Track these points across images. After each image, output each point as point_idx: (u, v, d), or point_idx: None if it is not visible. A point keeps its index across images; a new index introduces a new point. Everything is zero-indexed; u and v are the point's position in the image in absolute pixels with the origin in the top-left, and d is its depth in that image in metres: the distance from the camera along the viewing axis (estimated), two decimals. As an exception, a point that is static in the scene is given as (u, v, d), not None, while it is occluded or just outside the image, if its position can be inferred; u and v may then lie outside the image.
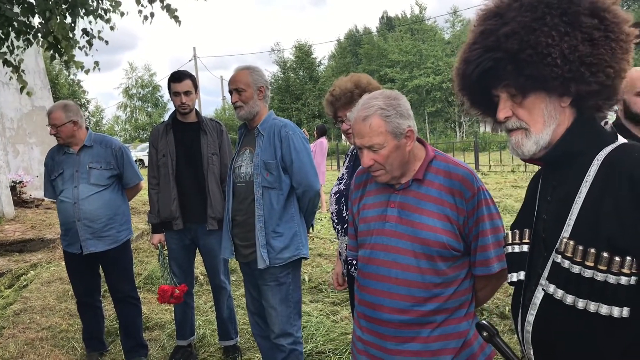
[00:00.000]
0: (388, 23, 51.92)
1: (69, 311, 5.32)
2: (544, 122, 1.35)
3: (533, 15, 1.28)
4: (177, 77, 3.99)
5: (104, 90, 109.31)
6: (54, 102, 12.89)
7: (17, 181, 10.65)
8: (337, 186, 2.97)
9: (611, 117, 4.33)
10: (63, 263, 6.68)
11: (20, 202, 10.61)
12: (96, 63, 6.34)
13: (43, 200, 10.84)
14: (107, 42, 6.34)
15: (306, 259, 3.35)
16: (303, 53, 47.86)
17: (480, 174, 17.95)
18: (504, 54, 1.31)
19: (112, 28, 6.34)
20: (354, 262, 2.82)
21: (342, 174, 3.00)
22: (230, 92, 3.30)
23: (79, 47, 6.09)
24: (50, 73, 29.95)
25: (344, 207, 2.87)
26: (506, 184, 14.16)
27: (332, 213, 2.99)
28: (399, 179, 2.01)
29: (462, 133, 41.52)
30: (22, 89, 5.90)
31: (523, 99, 1.36)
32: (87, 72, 6.28)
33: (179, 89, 3.96)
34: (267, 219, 3.17)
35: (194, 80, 4.06)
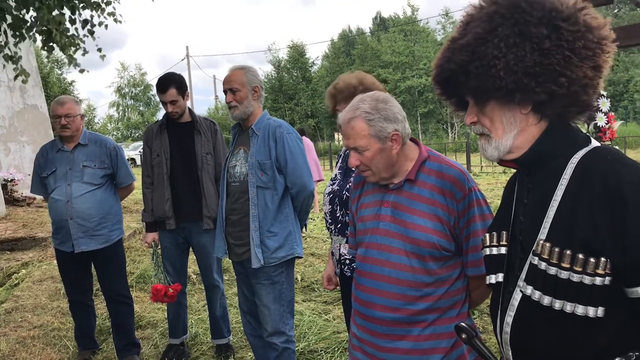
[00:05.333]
0: (381, 24, 51.98)
1: (60, 310, 5.31)
2: (504, 128, 1.39)
3: (488, 27, 1.31)
4: (161, 87, 3.94)
5: (93, 89, 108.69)
6: (46, 100, 12.86)
7: (9, 179, 10.61)
8: (331, 186, 2.99)
9: (600, 119, 4.36)
10: (54, 262, 6.67)
11: (11, 200, 10.57)
12: (99, 50, 6.32)
13: (34, 198, 10.80)
14: (106, 25, 6.31)
15: (300, 258, 3.38)
16: (297, 53, 47.81)
17: (472, 174, 18.00)
18: (456, 65, 1.36)
19: (116, 20, 6.32)
20: (347, 261, 2.85)
21: (336, 175, 3.02)
22: (225, 91, 3.31)
23: (79, 40, 6.07)
24: (42, 71, 29.78)
25: (338, 207, 2.89)
26: (497, 184, 14.21)
27: (325, 213, 3.01)
28: (389, 179, 2.04)
29: (454, 134, 41.61)
30: (15, 77, 5.88)
31: (483, 106, 1.41)
32: (82, 71, 6.27)
33: (164, 100, 3.94)
34: (262, 218, 3.19)
35: (179, 85, 3.97)
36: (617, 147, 4.30)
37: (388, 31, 46.71)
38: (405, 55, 41.78)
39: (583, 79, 1.29)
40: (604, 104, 4.43)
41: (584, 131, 4.29)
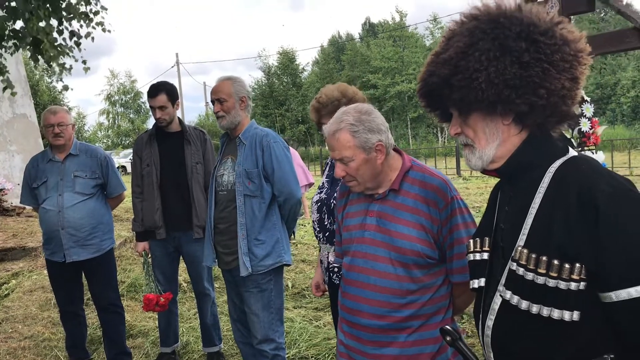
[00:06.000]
0: (371, 29, 52.26)
1: (51, 320, 5.30)
2: (487, 139, 1.44)
3: (469, 41, 1.36)
4: (151, 92, 4.00)
5: (82, 97, 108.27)
6: (35, 109, 12.82)
7: (-1, 189, 10.57)
8: (318, 195, 3.03)
9: (584, 124, 4.41)
10: (45, 272, 6.66)
11: (1, 210, 10.52)
12: (84, 62, 6.35)
13: (24, 208, 10.75)
14: (93, 38, 6.35)
15: (288, 265, 3.42)
16: (287, 59, 47.94)
17: (461, 179, 18.15)
18: (439, 79, 1.41)
19: (104, 30, 6.36)
20: (336, 269, 2.88)
21: (323, 183, 3.06)
22: (213, 102, 3.36)
23: (67, 50, 6.11)
24: (31, 79, 29.63)
25: (326, 215, 2.93)
26: (487, 189, 14.31)
27: (313, 221, 3.04)
28: (375, 189, 2.09)
29: (444, 138, 41.80)
30: (4, 89, 5.89)
31: (466, 118, 1.46)
32: (66, 88, 6.30)
33: (153, 105, 4.00)
34: (249, 226, 3.23)
35: (170, 93, 4.03)
36: (600, 153, 4.31)
37: (377, 37, 46.97)
38: (395, 61, 42.00)
39: (561, 90, 1.34)
40: (588, 109, 4.50)
41: (569, 136, 4.31)
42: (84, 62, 6.37)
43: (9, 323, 5.28)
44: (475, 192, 13.56)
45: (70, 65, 6.49)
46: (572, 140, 4.31)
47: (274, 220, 3.30)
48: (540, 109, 1.35)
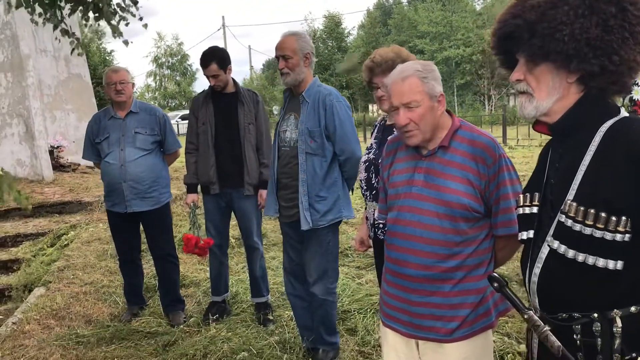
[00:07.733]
0: (419, -8, 51.12)
1: (109, 269, 5.63)
2: (548, 92, 1.52)
3: None
4: (202, 62, 4.16)
5: (129, 58, 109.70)
6: (89, 69, 13.19)
7: (55, 146, 11.01)
8: (367, 155, 3.14)
9: (636, 92, 4.37)
10: (101, 225, 7.04)
11: (58, 166, 10.97)
12: (140, 19, 6.49)
13: (79, 164, 11.21)
14: None
15: (351, 218, 3.54)
16: (333, 23, 47.47)
17: (507, 147, 17.86)
18: (524, 22, 1.47)
19: None
20: (381, 225, 3.02)
21: (371, 144, 3.17)
22: (277, 58, 3.37)
23: (127, 8, 6.24)
24: (82, 41, 30.30)
25: (373, 174, 3.06)
26: (533, 158, 14.07)
27: (361, 180, 3.17)
28: (427, 142, 2.18)
29: (491, 106, 40.94)
30: (72, 51, 6.12)
31: (534, 67, 1.52)
32: (126, 42, 6.43)
33: (206, 74, 4.17)
34: (310, 183, 3.33)
35: (220, 61, 4.15)
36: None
37: (425, 1, 45.89)
38: (443, 26, 41.04)
39: (632, 62, 1.42)
40: (641, 77, 4.43)
41: (619, 104, 4.30)
42: (141, 18, 6.52)
43: (70, 270, 5.63)
44: (520, 162, 13.37)
45: (127, 22, 6.63)
46: (623, 108, 4.27)
47: (335, 178, 3.38)
48: (608, 74, 1.42)
